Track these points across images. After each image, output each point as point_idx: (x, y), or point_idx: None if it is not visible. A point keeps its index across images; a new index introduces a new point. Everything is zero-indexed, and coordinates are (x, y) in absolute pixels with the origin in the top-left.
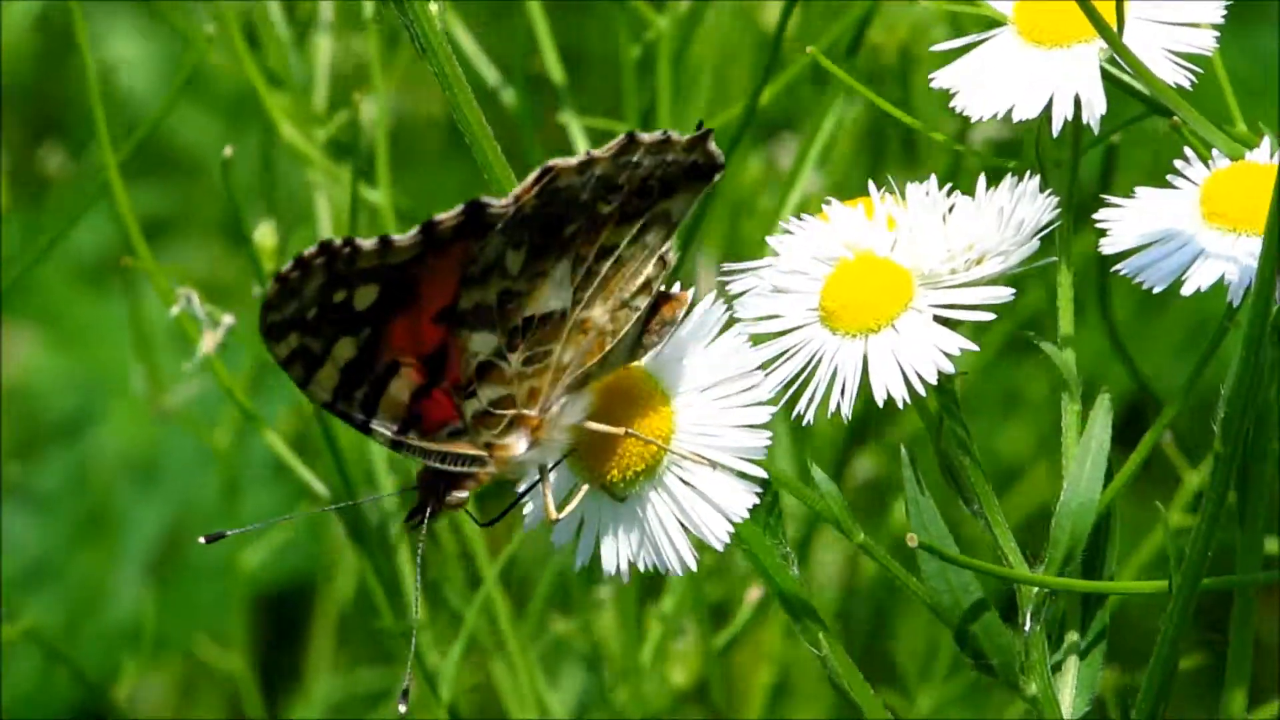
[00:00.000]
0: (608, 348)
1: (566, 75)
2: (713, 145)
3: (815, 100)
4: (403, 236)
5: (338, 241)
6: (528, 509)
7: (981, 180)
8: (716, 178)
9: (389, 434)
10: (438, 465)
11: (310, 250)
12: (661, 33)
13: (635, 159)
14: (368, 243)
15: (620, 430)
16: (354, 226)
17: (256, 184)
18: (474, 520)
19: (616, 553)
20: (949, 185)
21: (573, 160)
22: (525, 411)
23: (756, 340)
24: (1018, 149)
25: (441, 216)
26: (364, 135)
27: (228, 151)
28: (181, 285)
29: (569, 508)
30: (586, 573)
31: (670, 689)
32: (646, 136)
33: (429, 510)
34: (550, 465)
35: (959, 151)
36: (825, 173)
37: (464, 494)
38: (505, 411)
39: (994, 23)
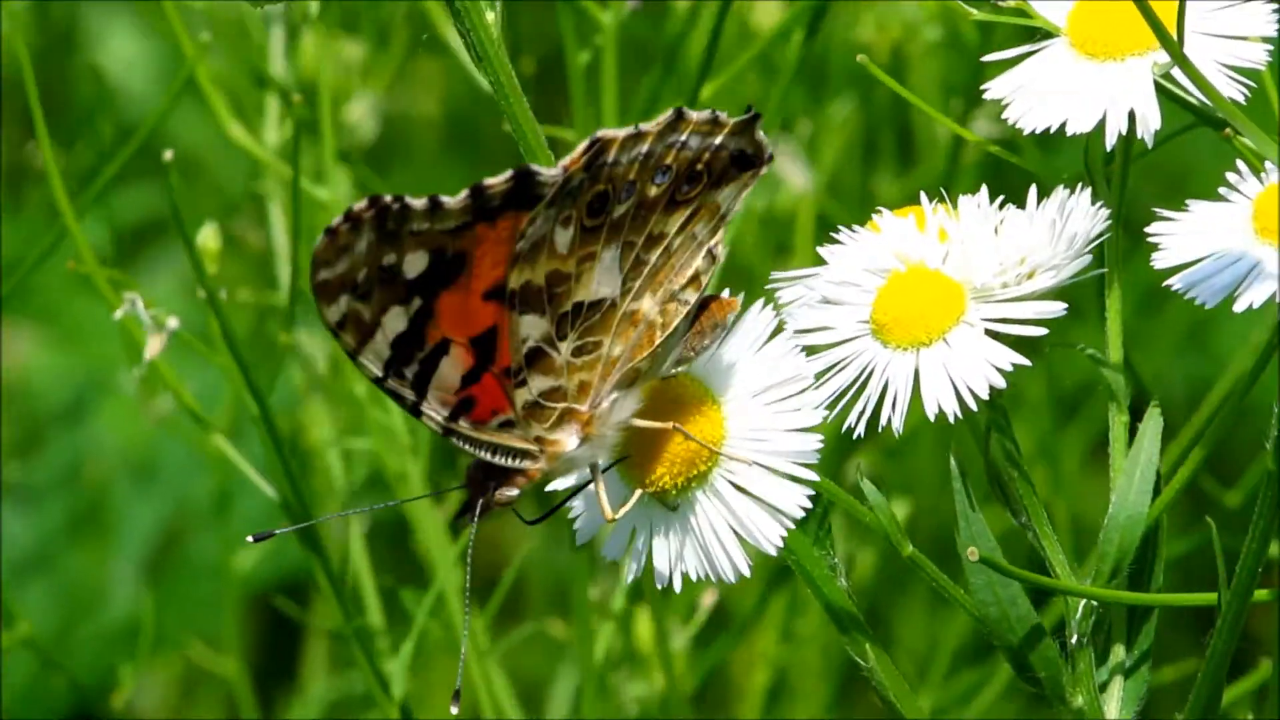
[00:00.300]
0: (657, 342)
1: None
2: (760, 132)
3: (809, 101)
4: (452, 198)
5: (388, 198)
6: (579, 523)
7: (1033, 192)
8: (765, 170)
9: (440, 419)
10: (488, 458)
11: (360, 204)
12: (607, 33)
13: (683, 138)
14: (418, 201)
15: (669, 425)
16: (298, 226)
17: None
18: (519, 518)
19: (669, 561)
20: (1000, 198)
21: (621, 132)
22: (576, 406)
23: (807, 352)
24: (1015, 146)
25: (490, 181)
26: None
27: (168, 156)
28: (127, 291)
29: (624, 509)
30: (585, 575)
31: (663, 690)
32: (694, 114)
33: (479, 507)
34: (603, 465)
35: (956, 151)
36: (817, 170)
37: (515, 491)
38: (556, 405)
39: (1044, 33)
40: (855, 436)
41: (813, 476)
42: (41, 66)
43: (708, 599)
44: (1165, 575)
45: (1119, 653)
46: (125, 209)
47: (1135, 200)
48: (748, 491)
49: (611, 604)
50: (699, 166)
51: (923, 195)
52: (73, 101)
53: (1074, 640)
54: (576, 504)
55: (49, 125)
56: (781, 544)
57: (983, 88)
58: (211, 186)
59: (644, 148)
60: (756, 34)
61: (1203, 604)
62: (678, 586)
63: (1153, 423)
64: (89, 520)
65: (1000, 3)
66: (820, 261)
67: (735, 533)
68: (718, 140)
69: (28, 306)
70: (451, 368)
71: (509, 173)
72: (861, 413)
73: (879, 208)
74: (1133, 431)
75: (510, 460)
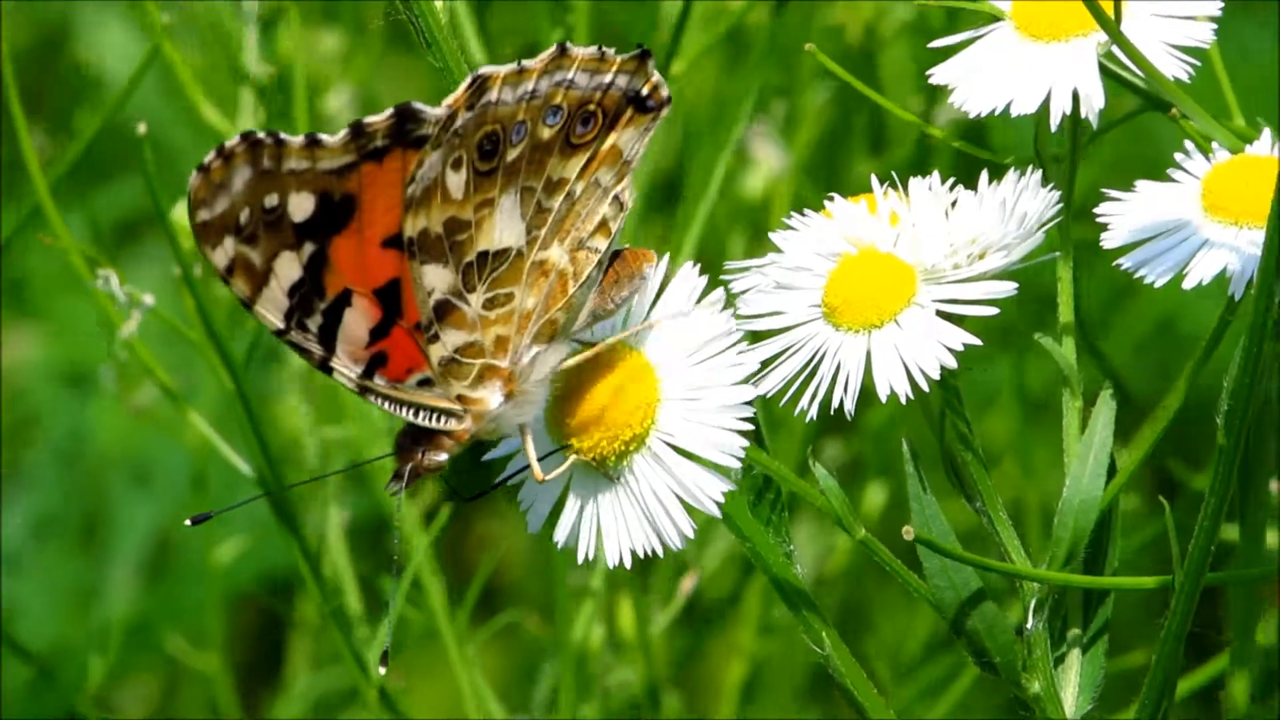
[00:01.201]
0: (571, 291)
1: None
2: (654, 70)
3: (784, 81)
4: (332, 136)
5: (261, 132)
6: (528, 511)
7: (984, 175)
8: (664, 112)
9: (353, 376)
10: (410, 419)
11: (232, 140)
12: (578, 8)
13: (570, 75)
14: (295, 138)
15: (596, 350)
16: None
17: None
18: (458, 495)
19: (617, 540)
20: (951, 180)
21: (503, 68)
22: (495, 362)
23: (759, 337)
24: (982, 132)
25: (371, 118)
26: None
27: (142, 129)
28: (102, 268)
29: (556, 471)
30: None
31: (640, 682)
32: (579, 50)
33: (408, 473)
34: (529, 424)
35: (925, 134)
36: (792, 153)
37: (442, 455)
38: (473, 361)
39: (989, 17)
40: (815, 418)
41: (748, 427)
42: (35, 60)
43: (686, 584)
44: (1135, 559)
45: (1075, 635)
46: (112, 205)
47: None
48: (685, 451)
49: (589, 589)
50: (591, 106)
51: (874, 179)
52: (67, 95)
53: (1029, 625)
54: (524, 493)
55: (43, 118)
56: (722, 500)
57: (928, 73)
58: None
59: (529, 85)
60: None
61: (1157, 586)
62: (628, 564)
63: (1105, 407)
64: (84, 520)
65: None
66: (775, 249)
67: (676, 495)
68: (607, 78)
69: (20, 303)
70: (357, 321)
71: (389, 109)
72: (814, 396)
73: (852, 189)
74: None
75: (434, 420)
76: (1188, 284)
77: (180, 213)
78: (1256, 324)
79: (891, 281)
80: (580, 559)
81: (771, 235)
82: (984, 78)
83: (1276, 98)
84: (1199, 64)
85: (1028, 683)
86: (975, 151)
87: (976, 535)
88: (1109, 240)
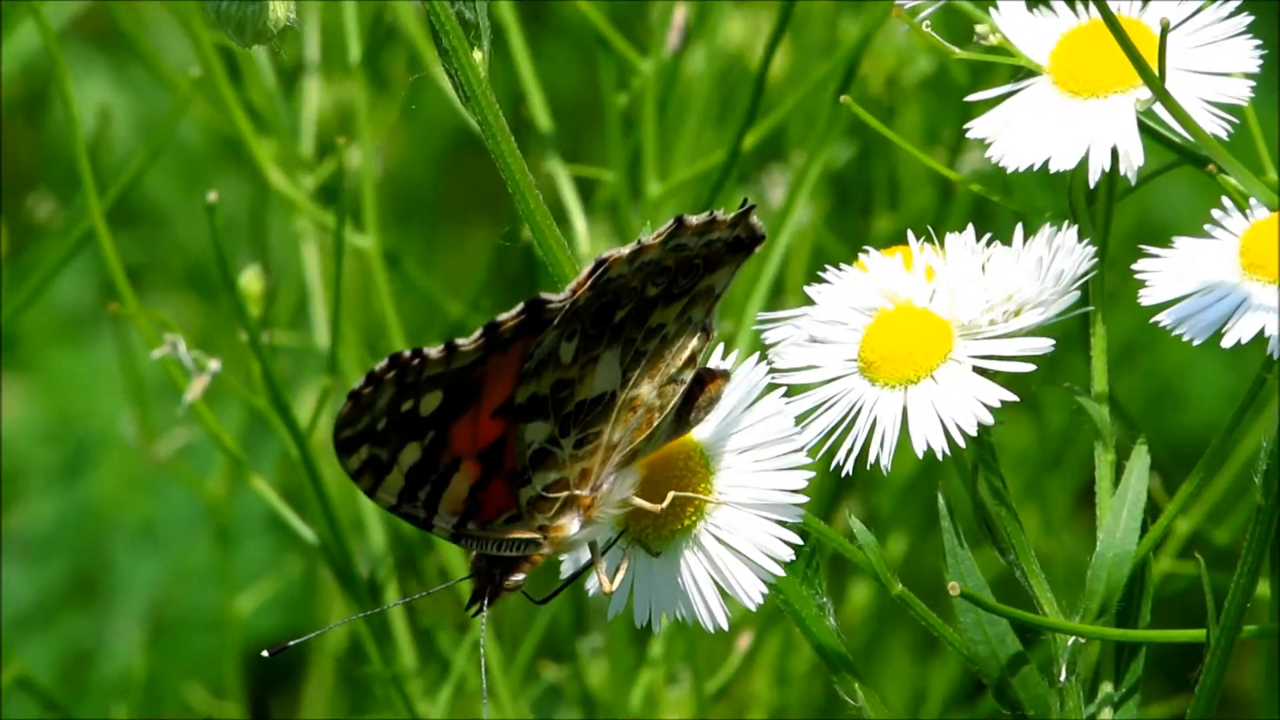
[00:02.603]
0: (655, 423)
1: (552, 122)
2: (755, 219)
3: (803, 133)
4: (467, 341)
5: (406, 353)
6: (589, 580)
7: (1019, 229)
8: (758, 249)
9: (449, 527)
10: (496, 553)
11: (381, 365)
12: (647, 79)
13: (684, 242)
14: (434, 351)
15: (658, 507)
16: (339, 272)
17: (227, 233)
18: (528, 598)
19: (650, 604)
20: (987, 236)
21: (625, 250)
22: (578, 492)
23: (795, 391)
24: (1006, 183)
25: (503, 317)
26: (349, 182)
27: (212, 197)
28: (169, 332)
29: (619, 577)
30: (577, 619)
31: None
32: (694, 220)
33: (488, 597)
34: (601, 543)
35: (945, 187)
36: (812, 207)
37: (521, 576)
38: (559, 494)
39: (1027, 71)
40: (845, 475)
41: (794, 538)
42: (25, 117)
43: (743, 642)
44: (1161, 614)
45: (1107, 690)
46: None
47: (1118, 246)
48: (732, 546)
49: (609, 649)
50: (696, 260)
51: (910, 233)
52: (50, 155)
53: (1062, 678)
54: (593, 591)
55: (31, 173)
56: (762, 600)
57: (965, 126)
58: (175, 242)
59: (647, 258)
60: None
61: (1191, 640)
62: (656, 628)
63: (1140, 461)
64: (87, 575)
65: (983, 40)
66: (809, 300)
67: (717, 585)
68: (715, 236)
69: (14, 360)
70: (460, 482)
71: (520, 306)
72: (850, 451)
73: (871, 243)
74: (1119, 471)
75: (517, 550)
76: (1226, 342)
77: (250, 277)
78: None
79: (928, 337)
80: (610, 615)
81: (806, 289)
82: (1022, 133)
83: None
84: (1237, 121)
85: None
86: (1008, 204)
87: (1000, 586)
88: (1147, 297)
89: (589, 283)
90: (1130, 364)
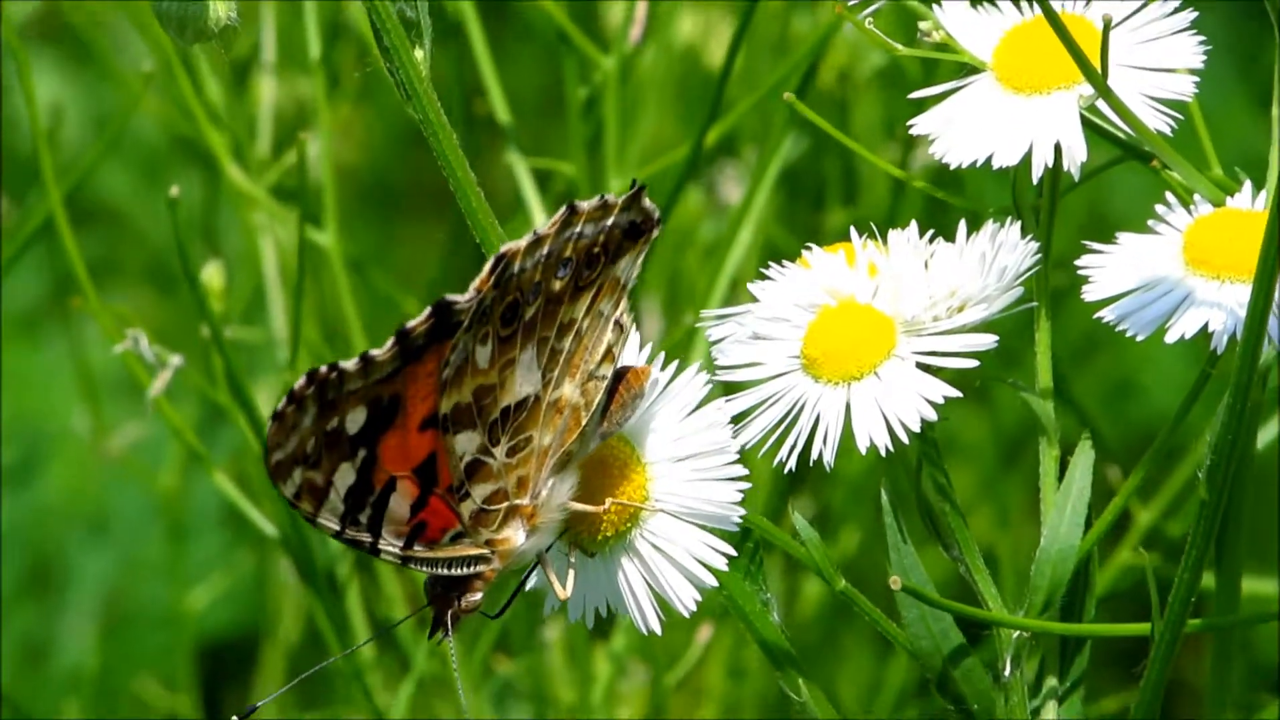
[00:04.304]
0: (583, 422)
1: (510, 116)
2: (647, 201)
3: (756, 128)
4: (381, 351)
5: (323, 369)
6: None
7: (962, 226)
8: (655, 233)
9: (396, 550)
10: (446, 573)
11: (300, 383)
12: (609, 74)
13: (579, 229)
14: (351, 364)
15: (600, 509)
16: (302, 267)
17: (186, 230)
18: (483, 613)
19: (584, 601)
20: (930, 232)
21: (522, 242)
22: (518, 501)
23: (738, 388)
24: (957, 181)
25: (412, 323)
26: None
27: (174, 191)
28: (130, 327)
29: (570, 583)
30: (531, 613)
31: None
32: (585, 205)
33: (449, 621)
34: (547, 549)
35: (898, 182)
36: (764, 202)
37: (477, 596)
38: (499, 506)
39: (971, 68)
40: (790, 471)
41: (729, 549)
42: None
43: (703, 634)
44: (1116, 607)
45: (1052, 685)
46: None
47: (1068, 244)
48: (666, 554)
49: (565, 642)
50: (596, 250)
51: (853, 230)
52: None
53: (1006, 673)
54: (549, 602)
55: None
56: (695, 606)
57: (909, 123)
58: (135, 236)
59: (545, 249)
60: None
61: (1134, 634)
62: (589, 623)
63: (1084, 456)
64: (40, 570)
65: (926, 38)
66: (753, 298)
67: (651, 589)
68: (609, 221)
69: None
70: (399, 503)
71: (427, 310)
72: (793, 448)
73: (825, 237)
74: (1064, 466)
75: (466, 568)
76: (1170, 338)
77: (211, 273)
78: (1241, 382)
79: (871, 334)
80: (546, 611)
81: (749, 286)
82: (965, 129)
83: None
84: (1180, 117)
85: None
86: (954, 201)
87: (950, 584)
88: (1090, 293)
89: (491, 279)
90: (1090, 358)
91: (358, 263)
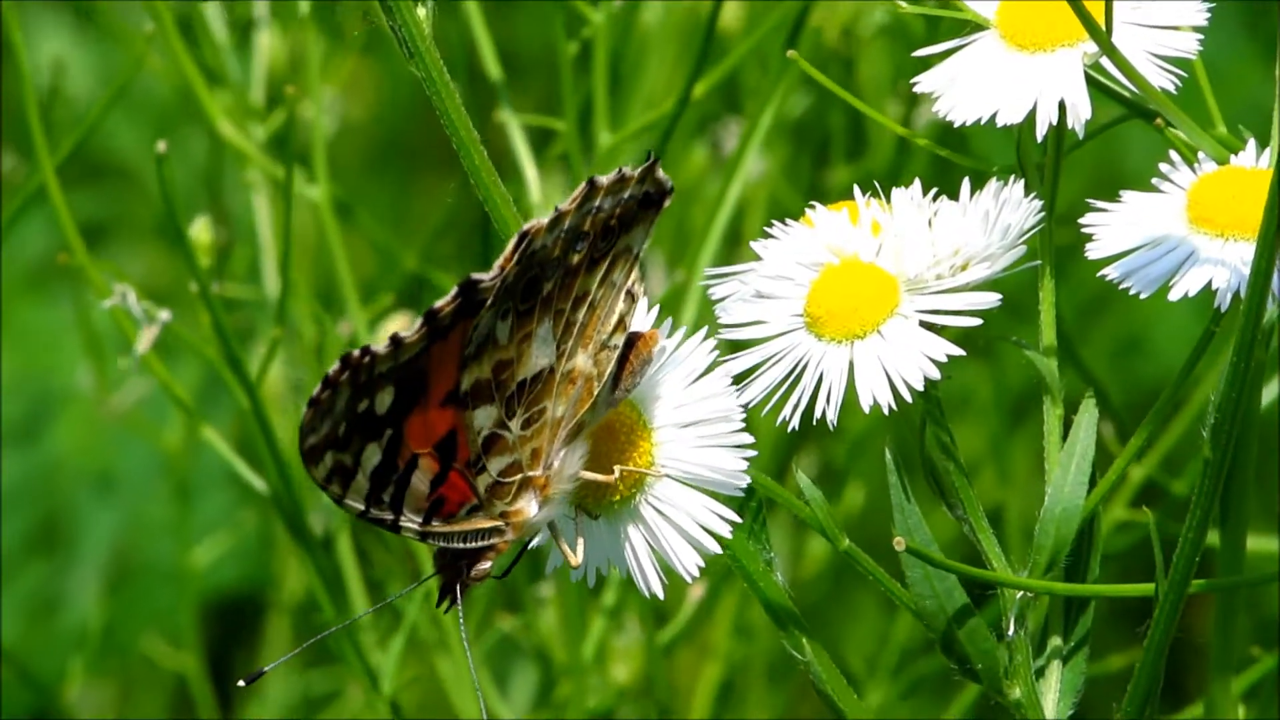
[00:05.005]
0: (596, 392)
1: (503, 73)
2: (660, 172)
3: (759, 83)
4: (410, 332)
5: (355, 353)
6: (550, 557)
7: (966, 184)
8: (667, 203)
9: (416, 526)
10: (461, 545)
11: (334, 368)
12: (598, 29)
13: (598, 204)
14: (382, 347)
15: (611, 478)
16: (288, 222)
17: (193, 186)
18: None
19: (587, 564)
20: (934, 190)
21: (544, 220)
22: (531, 473)
23: (740, 347)
24: (962, 137)
25: (440, 303)
26: (301, 134)
27: (161, 147)
28: (118, 282)
29: (581, 550)
30: (531, 569)
31: (613, 686)
32: (604, 179)
33: (458, 590)
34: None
35: (904, 138)
36: (769, 157)
37: (487, 565)
38: (514, 478)
39: (975, 26)
40: (792, 429)
41: (734, 516)
42: None
43: (694, 593)
44: (1115, 565)
45: (1056, 644)
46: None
47: (1076, 200)
48: (670, 519)
49: (560, 599)
50: (612, 222)
51: (856, 188)
52: (11, 108)
53: (1010, 632)
54: (552, 560)
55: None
56: (698, 573)
57: (913, 81)
58: (146, 193)
59: (565, 225)
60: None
61: (1138, 594)
62: (591, 583)
63: (1088, 415)
64: (47, 527)
65: None
66: (754, 255)
67: (654, 555)
68: (627, 193)
69: None
70: (421, 479)
71: (454, 290)
72: (796, 406)
73: (830, 194)
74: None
75: (481, 541)
76: (1173, 296)
77: (200, 228)
78: (1244, 340)
79: (875, 292)
80: (548, 570)
81: (752, 244)
82: (969, 87)
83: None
84: (1185, 75)
85: (1009, 689)
86: (958, 159)
87: (956, 543)
88: (1094, 251)
89: (515, 257)
90: (1100, 315)
91: (355, 217)
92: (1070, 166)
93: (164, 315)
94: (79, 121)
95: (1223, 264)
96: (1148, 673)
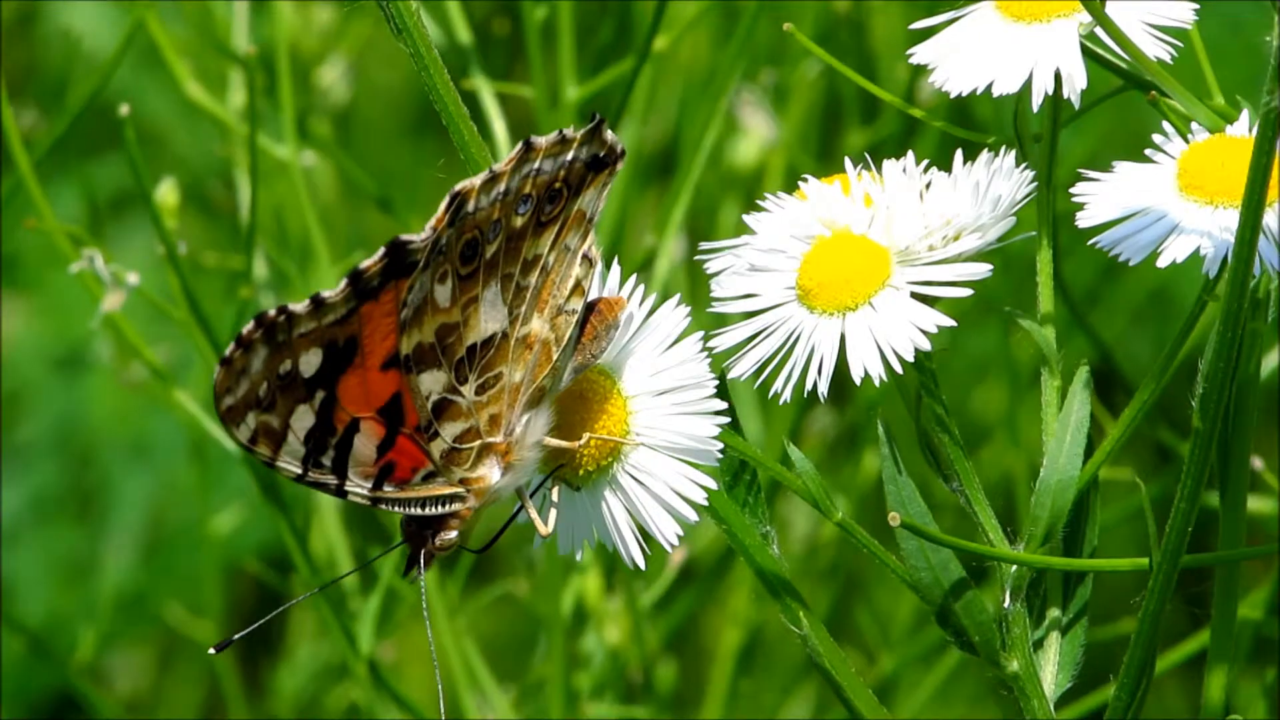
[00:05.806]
0: (555, 357)
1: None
2: (609, 133)
3: (776, 51)
4: (333, 292)
5: (271, 312)
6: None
7: (959, 155)
8: (619, 166)
9: (365, 491)
10: (421, 513)
11: (248, 327)
12: None
13: (537, 165)
14: (301, 306)
15: (577, 444)
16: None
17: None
18: (466, 549)
19: (572, 537)
20: (926, 161)
21: (477, 180)
22: (491, 439)
23: (731, 319)
24: (968, 107)
25: (365, 263)
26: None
27: (124, 110)
28: (86, 246)
29: (552, 519)
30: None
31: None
32: (542, 140)
33: (423, 560)
34: (533, 488)
35: (915, 103)
36: (784, 125)
37: (452, 534)
38: (472, 444)
39: None
40: (805, 394)
41: (710, 482)
42: (11, 36)
43: (675, 558)
44: (1124, 531)
45: (1054, 615)
46: (104, 181)
47: (1098, 161)
48: (647, 487)
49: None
50: (557, 185)
51: (847, 161)
52: (39, 71)
53: (1006, 604)
54: (536, 540)
55: (30, 96)
56: (678, 541)
57: (908, 53)
58: (176, 158)
59: (502, 187)
60: None
61: (1133, 568)
62: (578, 556)
63: (1081, 386)
64: (84, 490)
65: None
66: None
67: (635, 524)
68: (569, 155)
69: (11, 278)
70: (365, 443)
71: (381, 250)
72: (788, 378)
73: (844, 160)
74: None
75: (441, 507)
76: (1161, 263)
77: (165, 190)
78: (1231, 309)
79: (866, 264)
80: (535, 545)
81: (745, 217)
82: (965, 57)
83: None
84: (1180, 44)
85: (1006, 662)
86: (960, 133)
87: (959, 513)
88: (1084, 219)
89: (446, 218)
90: (1120, 275)
91: (354, 182)
92: (1085, 128)
93: (132, 278)
94: (103, 88)
95: (1211, 231)
96: (1142, 644)
